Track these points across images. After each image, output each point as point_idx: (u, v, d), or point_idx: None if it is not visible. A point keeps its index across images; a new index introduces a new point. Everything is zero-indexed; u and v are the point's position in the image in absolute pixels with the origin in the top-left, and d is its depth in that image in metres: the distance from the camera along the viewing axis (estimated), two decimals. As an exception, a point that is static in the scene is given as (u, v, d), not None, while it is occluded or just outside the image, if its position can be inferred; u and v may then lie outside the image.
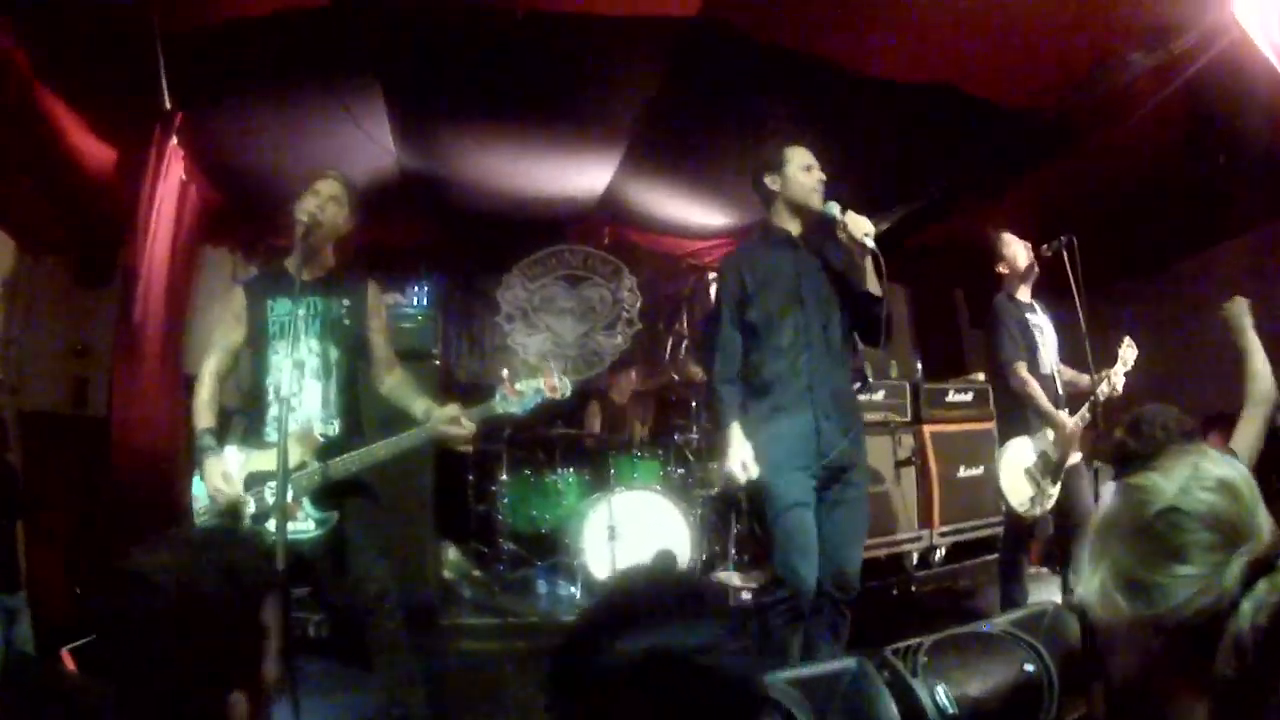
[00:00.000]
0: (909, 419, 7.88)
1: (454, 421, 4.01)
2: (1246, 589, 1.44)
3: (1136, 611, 1.52)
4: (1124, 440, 3.22)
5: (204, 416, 4.10)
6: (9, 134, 5.08)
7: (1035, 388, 5.58)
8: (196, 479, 4.05)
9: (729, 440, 4.36)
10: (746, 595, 7.00)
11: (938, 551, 7.85)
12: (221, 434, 4.15)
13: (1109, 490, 5.09)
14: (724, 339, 4.54)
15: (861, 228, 4.19)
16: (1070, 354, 5.88)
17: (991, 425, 7.89)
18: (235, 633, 1.64)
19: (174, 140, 5.97)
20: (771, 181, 4.53)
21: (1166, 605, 1.48)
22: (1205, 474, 1.56)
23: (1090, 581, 1.61)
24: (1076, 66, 5.83)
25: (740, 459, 4.31)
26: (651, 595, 1.38)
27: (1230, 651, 1.42)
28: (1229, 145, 6.11)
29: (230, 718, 1.64)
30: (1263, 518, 1.54)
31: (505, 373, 4.24)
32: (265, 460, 3.97)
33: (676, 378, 9.57)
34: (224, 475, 3.95)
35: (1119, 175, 6.90)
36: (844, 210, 4.28)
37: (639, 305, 10.52)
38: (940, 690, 3.44)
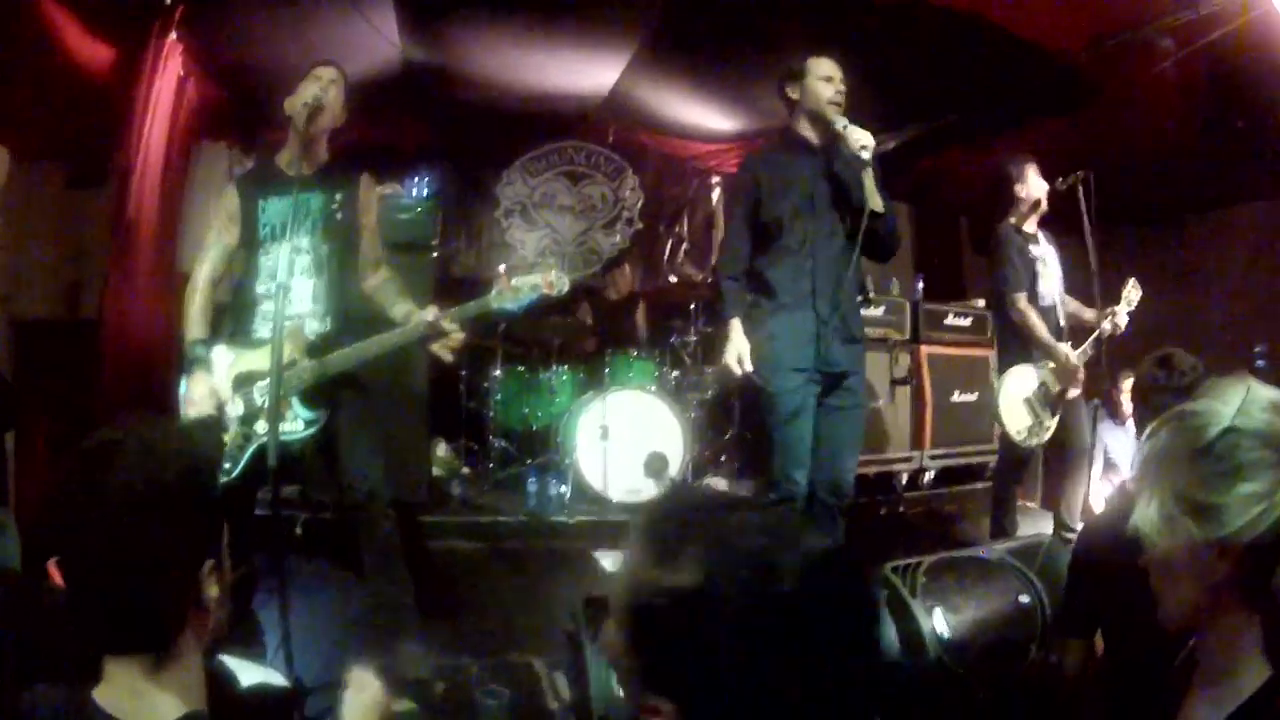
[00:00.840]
0: (907, 338, 7.84)
1: (432, 327, 3.90)
2: None
3: (1205, 533, 1.55)
4: (1153, 372, 3.24)
5: (196, 326, 4.03)
6: (5, 37, 4.96)
7: (1034, 318, 5.55)
8: (184, 380, 3.98)
9: (728, 334, 4.44)
10: (736, 501, 6.99)
11: (927, 474, 7.86)
12: (215, 330, 4.09)
13: (1104, 431, 5.15)
14: (732, 235, 4.66)
15: (858, 140, 4.21)
16: (1074, 289, 5.82)
17: (988, 352, 7.92)
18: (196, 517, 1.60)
19: (172, 34, 5.85)
20: (792, 91, 4.53)
21: (1233, 525, 1.52)
22: (1258, 395, 1.59)
23: (1147, 511, 1.63)
24: (1107, 16, 5.72)
25: (737, 352, 4.40)
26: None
27: None
28: (1249, 113, 6.02)
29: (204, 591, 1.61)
30: None
31: (502, 269, 4.17)
32: (253, 359, 3.91)
33: (674, 279, 9.50)
34: (209, 391, 3.89)
35: (1137, 128, 6.80)
36: (845, 125, 4.29)
37: (640, 205, 10.39)
38: (938, 612, 3.46)
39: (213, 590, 1.61)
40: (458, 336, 3.94)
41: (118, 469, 1.51)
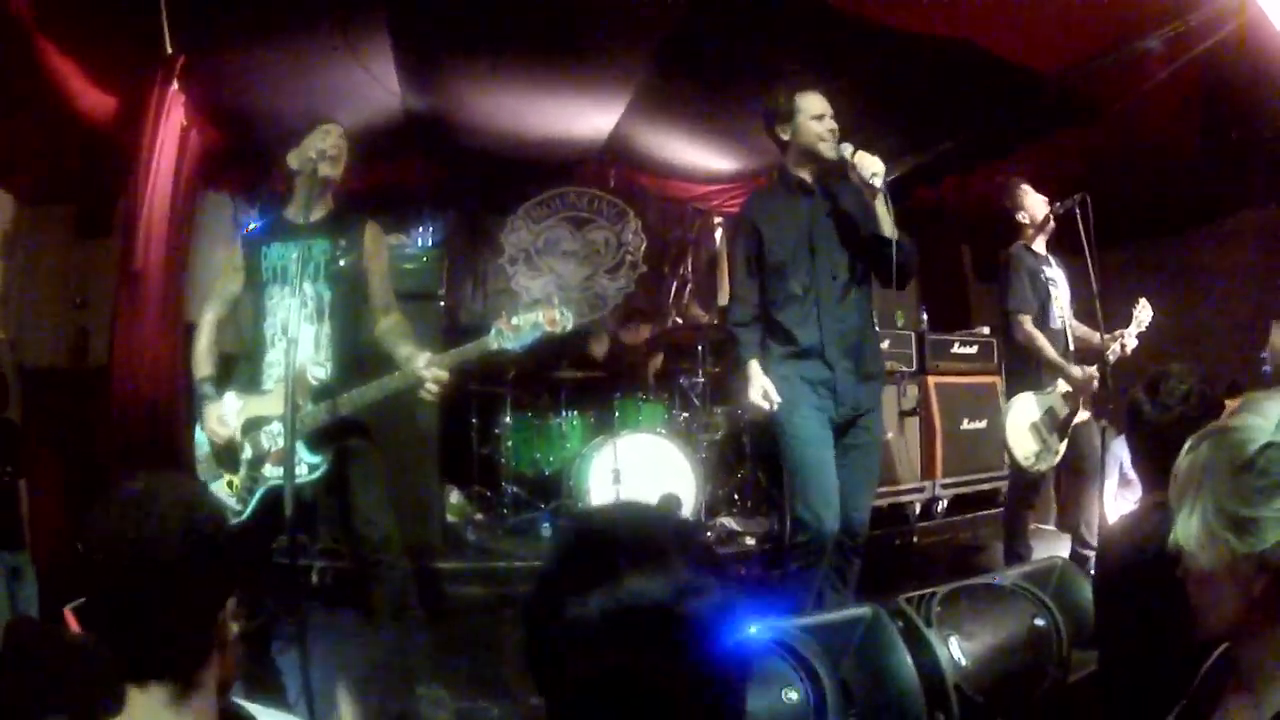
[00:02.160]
0: (913, 369, 7.85)
1: (427, 368, 3.90)
2: None
3: (1246, 547, 1.56)
4: (1138, 399, 3.17)
5: (203, 365, 4.11)
6: (9, 86, 5.03)
7: (1041, 340, 5.56)
8: (198, 428, 4.05)
9: (749, 375, 4.39)
10: (750, 541, 7.02)
11: (940, 503, 7.84)
12: (222, 380, 4.13)
13: (1119, 447, 5.13)
14: (739, 286, 4.60)
15: (870, 167, 4.17)
16: (1078, 311, 5.83)
17: (995, 379, 7.93)
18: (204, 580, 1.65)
19: (175, 85, 5.91)
20: (783, 131, 4.50)
21: (1273, 539, 1.53)
22: None
23: (1188, 525, 1.65)
24: (1097, 34, 5.77)
25: (761, 389, 4.34)
26: (624, 537, 1.26)
27: None
28: (1243, 123, 6.06)
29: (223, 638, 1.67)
30: None
31: (502, 311, 4.17)
32: (261, 405, 3.96)
33: (680, 321, 9.52)
34: (220, 418, 3.95)
35: (1133, 144, 6.84)
36: (854, 151, 4.26)
37: (644, 248, 10.45)
38: (953, 641, 3.46)
39: (234, 628, 1.67)
40: (441, 378, 3.90)
41: (155, 519, 1.58)
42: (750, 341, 4.47)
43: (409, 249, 7.20)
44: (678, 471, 7.04)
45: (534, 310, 4.00)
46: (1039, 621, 3.66)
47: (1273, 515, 1.54)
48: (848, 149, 4.29)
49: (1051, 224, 5.72)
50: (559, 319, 4.00)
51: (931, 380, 7.84)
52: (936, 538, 7.69)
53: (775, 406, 4.31)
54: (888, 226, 4.28)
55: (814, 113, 4.42)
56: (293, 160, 4.16)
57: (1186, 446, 1.72)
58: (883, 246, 4.31)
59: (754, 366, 4.39)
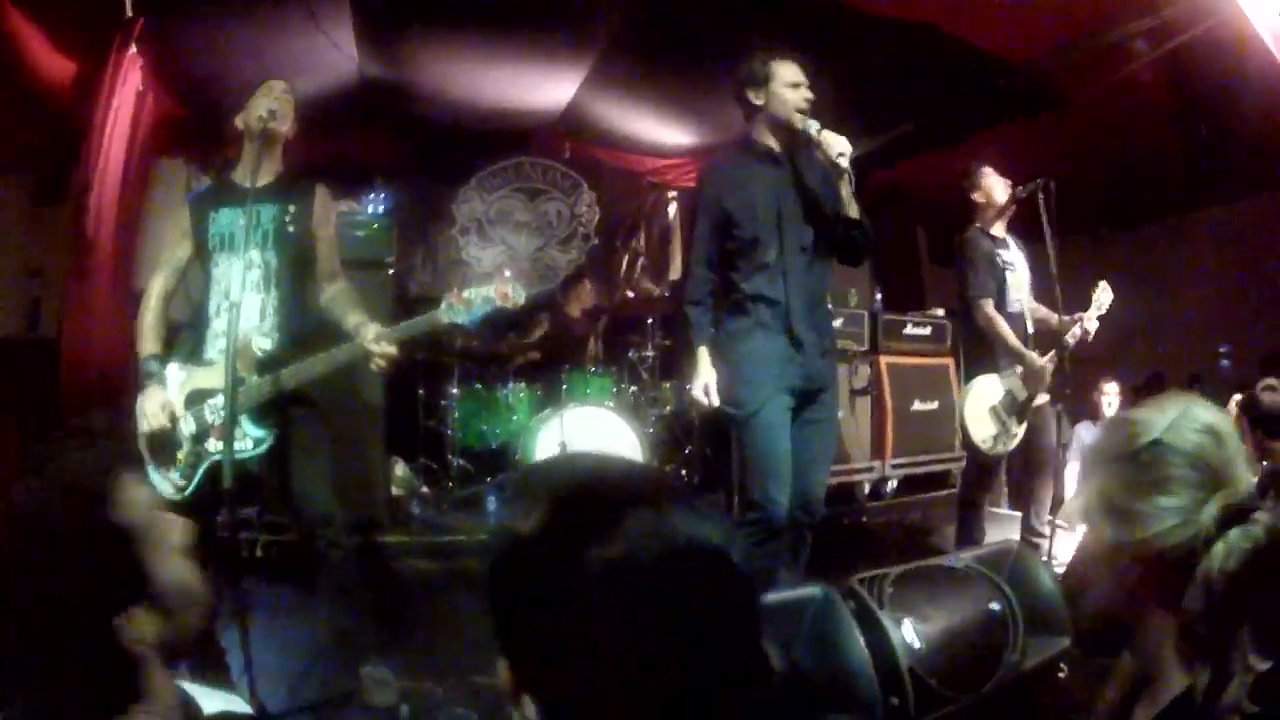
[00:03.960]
0: (866, 348, 7.84)
1: (376, 341, 3.83)
2: (1220, 533, 1.55)
3: (1118, 536, 1.65)
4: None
5: (148, 341, 3.96)
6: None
7: (1001, 324, 5.52)
8: (140, 398, 3.91)
9: (697, 362, 4.31)
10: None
11: (889, 483, 7.85)
12: (169, 347, 4.02)
13: (1080, 434, 5.16)
14: (696, 259, 4.47)
15: (837, 147, 4.08)
16: (1039, 295, 5.81)
17: (948, 361, 7.94)
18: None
19: (132, 48, 5.79)
20: (755, 96, 4.36)
21: (1145, 533, 1.61)
22: (1194, 416, 1.67)
23: (1075, 502, 1.77)
24: (1069, 23, 5.76)
25: (704, 383, 4.26)
26: (621, 485, 1.15)
27: (1200, 589, 1.54)
28: (1212, 119, 6.07)
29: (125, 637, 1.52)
30: (1242, 469, 1.66)
31: (453, 284, 4.09)
32: (205, 377, 3.85)
33: (631, 294, 9.48)
34: (161, 405, 3.82)
35: (1102, 133, 6.85)
36: (820, 129, 4.16)
37: (596, 220, 10.40)
38: (907, 623, 3.41)
39: (146, 632, 1.52)
40: (390, 354, 3.84)
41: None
42: (703, 324, 4.36)
43: (360, 216, 7.08)
44: (625, 445, 7.02)
45: (486, 284, 3.90)
46: (994, 605, 3.61)
47: (1148, 510, 1.61)
48: (814, 126, 4.18)
49: (1010, 209, 5.68)
50: (510, 294, 3.90)
51: (884, 360, 7.84)
52: (886, 518, 7.69)
53: (712, 404, 4.26)
54: (853, 208, 4.22)
55: (790, 80, 4.30)
56: (239, 121, 4.04)
57: (1097, 430, 1.79)
58: (849, 228, 4.25)
59: (703, 354, 4.30)
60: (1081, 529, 5.19)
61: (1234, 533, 1.54)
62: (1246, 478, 1.65)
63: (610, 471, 1.20)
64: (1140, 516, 1.61)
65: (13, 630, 1.43)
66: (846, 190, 4.19)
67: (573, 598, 1.07)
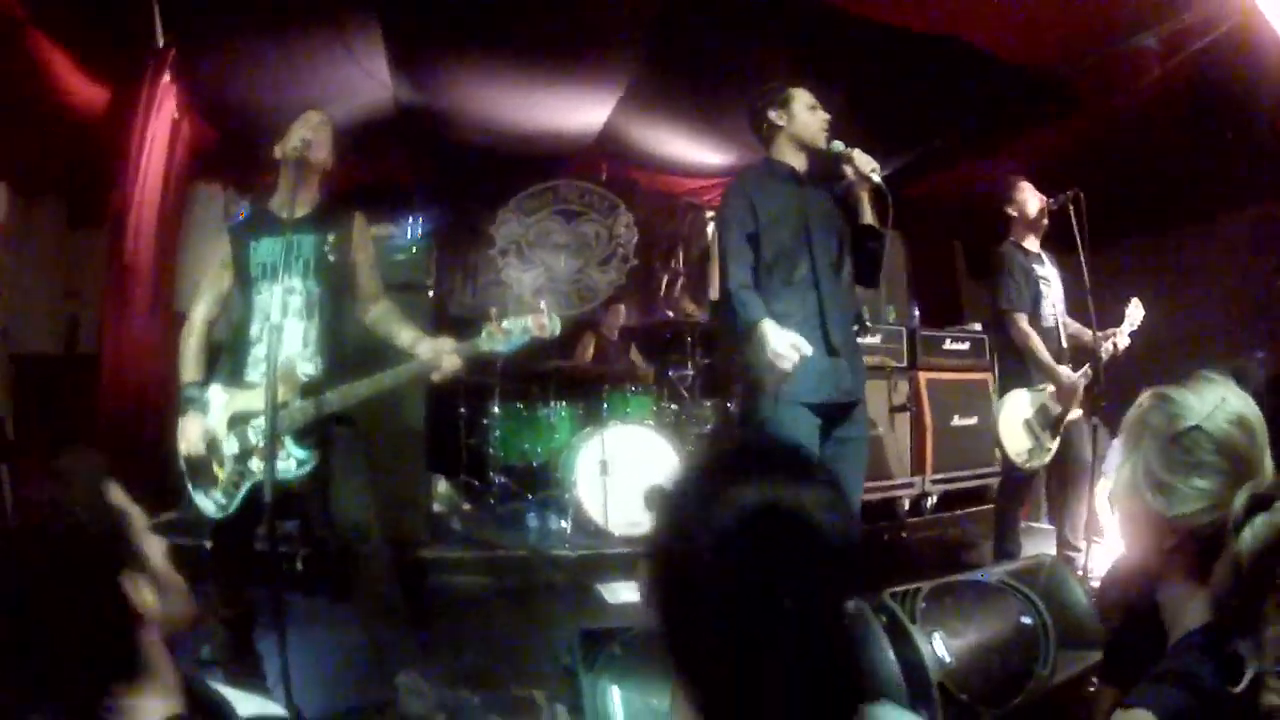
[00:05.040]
0: (905, 364, 7.82)
1: (442, 354, 3.94)
2: (1247, 518, 1.67)
3: (1157, 507, 1.84)
4: None
5: (190, 369, 4.06)
6: (2, 79, 5.01)
7: (1035, 340, 5.52)
8: (181, 423, 4.01)
9: (764, 332, 4.04)
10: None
11: (929, 499, 7.83)
12: (210, 371, 4.11)
13: (1113, 447, 5.10)
14: (735, 250, 4.31)
15: (868, 164, 4.13)
16: (1071, 307, 5.80)
17: (986, 376, 7.91)
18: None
19: (167, 76, 5.92)
20: (777, 117, 4.41)
21: (1180, 509, 1.81)
22: (1229, 406, 1.85)
23: (1121, 471, 1.94)
24: (1086, 31, 5.75)
25: (788, 341, 3.99)
26: (764, 452, 1.41)
27: (1228, 569, 1.70)
28: (1235, 122, 6.03)
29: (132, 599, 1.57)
30: (1268, 461, 1.85)
31: (493, 310, 4.16)
32: (247, 400, 3.93)
33: (671, 314, 9.51)
34: (201, 432, 3.93)
35: (1126, 141, 6.82)
36: (846, 146, 4.22)
37: (635, 242, 10.46)
38: (938, 637, 3.43)
39: (147, 597, 1.58)
40: (457, 362, 3.95)
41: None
42: (755, 302, 4.16)
43: (399, 240, 7.17)
44: (666, 463, 7.01)
45: (523, 315, 4.01)
46: (1026, 619, 3.62)
47: (1184, 488, 1.81)
48: (839, 145, 4.24)
49: (1045, 221, 5.68)
50: (547, 324, 4.01)
51: (923, 376, 7.83)
52: (926, 533, 7.67)
53: (807, 353, 4.01)
54: (869, 217, 4.26)
55: (808, 103, 4.38)
56: (277, 150, 4.13)
57: (1138, 401, 1.96)
58: (869, 238, 4.29)
59: (768, 323, 4.06)
60: (1116, 544, 5.18)
61: (1259, 519, 1.66)
62: (1270, 467, 1.84)
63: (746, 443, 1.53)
64: (1176, 493, 1.80)
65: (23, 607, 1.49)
66: (868, 205, 4.24)
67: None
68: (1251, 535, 1.65)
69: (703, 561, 1.26)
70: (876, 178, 4.12)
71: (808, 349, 4.03)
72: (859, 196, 4.28)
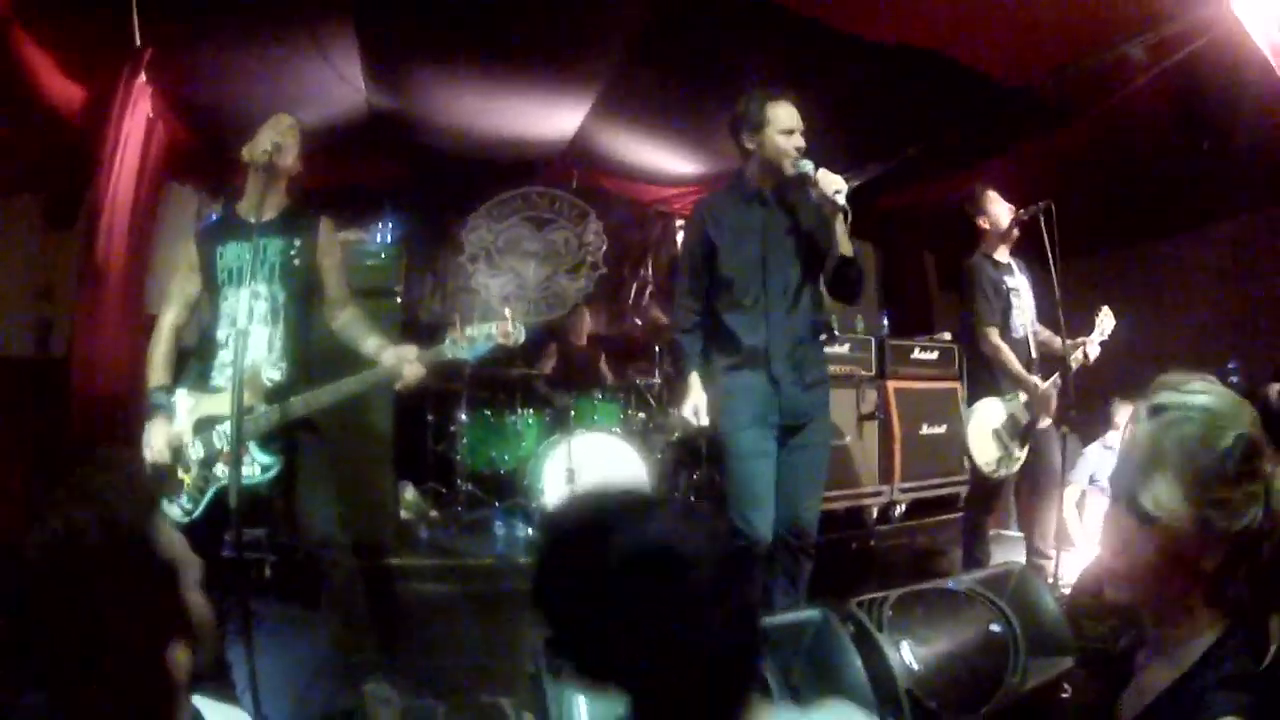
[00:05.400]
0: (873, 374, 7.82)
1: (405, 362, 3.95)
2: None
3: (1219, 523, 1.71)
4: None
5: (157, 373, 4.06)
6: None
7: (1007, 353, 5.55)
8: (147, 428, 3.99)
9: (688, 387, 4.43)
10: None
11: (898, 507, 7.83)
12: (178, 375, 4.11)
13: (1090, 456, 5.16)
14: (683, 289, 4.56)
15: (833, 185, 4.11)
16: (1042, 317, 5.83)
17: (955, 385, 7.93)
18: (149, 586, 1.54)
19: (143, 77, 5.88)
20: (749, 140, 4.40)
21: (1240, 522, 1.70)
22: (1252, 410, 1.80)
23: (1160, 490, 1.76)
24: (1066, 45, 5.78)
25: (693, 405, 4.38)
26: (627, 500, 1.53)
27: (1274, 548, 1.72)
28: (1215, 133, 6.08)
29: (171, 669, 1.55)
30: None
31: (457, 317, 4.18)
32: (213, 404, 3.94)
33: (640, 322, 9.51)
34: (167, 438, 3.91)
35: (1103, 152, 6.86)
36: (817, 167, 4.20)
37: (604, 249, 10.45)
38: (905, 645, 3.43)
39: (185, 663, 1.56)
40: (417, 373, 3.96)
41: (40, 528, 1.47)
42: (691, 352, 4.49)
43: (369, 246, 7.15)
44: (632, 471, 7.02)
45: (488, 322, 4.06)
46: (995, 627, 3.63)
47: (1239, 497, 1.70)
48: (809, 166, 4.22)
49: (1015, 232, 5.70)
50: (511, 331, 4.06)
51: (891, 385, 7.83)
52: (895, 541, 7.67)
53: (701, 424, 4.38)
54: (846, 245, 4.24)
55: (783, 126, 4.32)
56: (245, 153, 4.13)
57: (1143, 413, 1.84)
58: (842, 265, 4.29)
59: (694, 379, 4.42)
60: (1085, 549, 5.20)
61: None
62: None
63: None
64: (1233, 505, 1.70)
65: (56, 656, 1.45)
66: (841, 228, 4.21)
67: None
68: None
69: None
70: (841, 200, 4.10)
71: (704, 420, 4.40)
72: (827, 218, 4.25)
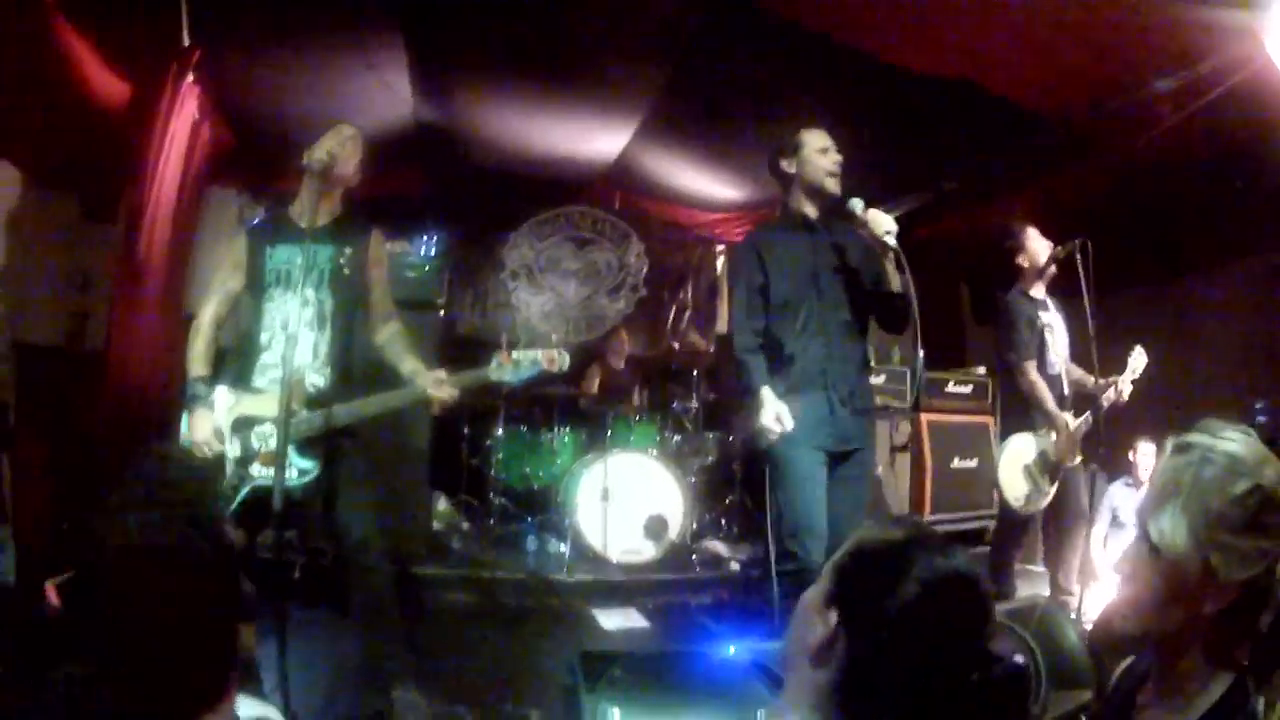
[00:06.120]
0: (908, 406, 7.85)
1: (438, 385, 3.99)
2: None
3: (1221, 570, 1.71)
4: None
5: (197, 365, 4.09)
6: (26, 64, 5.03)
7: (1043, 389, 5.56)
8: (185, 419, 4.04)
9: (762, 400, 4.22)
10: (735, 566, 7.07)
11: (927, 539, 7.82)
12: (216, 372, 4.14)
13: (1113, 493, 5.16)
14: (742, 312, 4.51)
15: (883, 225, 4.15)
16: (1074, 354, 5.84)
17: (988, 419, 7.92)
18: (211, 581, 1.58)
19: (190, 77, 5.94)
20: (788, 165, 4.47)
21: (1244, 573, 1.71)
22: (1275, 461, 1.77)
23: (1172, 525, 1.77)
24: (1100, 79, 5.80)
25: (775, 412, 4.18)
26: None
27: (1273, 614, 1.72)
28: (1245, 172, 6.07)
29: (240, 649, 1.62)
30: None
31: (504, 339, 4.23)
32: (253, 405, 3.98)
33: (678, 346, 9.56)
34: (213, 431, 3.95)
35: (1133, 187, 6.85)
36: (866, 208, 4.25)
37: (645, 271, 10.49)
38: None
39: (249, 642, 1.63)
40: (454, 394, 4.01)
41: (118, 528, 1.50)
42: (759, 368, 4.34)
43: (411, 258, 7.22)
44: (667, 493, 7.06)
45: (534, 348, 4.12)
46: (1019, 659, 3.65)
47: (1249, 548, 1.70)
48: (859, 205, 4.26)
49: (1053, 269, 5.72)
50: (557, 359, 4.12)
51: (925, 418, 7.85)
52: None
53: (786, 428, 4.18)
54: (895, 282, 4.27)
55: (819, 146, 4.41)
56: (304, 158, 4.15)
57: (1170, 448, 1.85)
58: (893, 300, 4.32)
59: (766, 392, 4.24)
60: (1109, 584, 5.19)
61: None
62: None
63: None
64: (1242, 553, 1.70)
65: (143, 650, 1.49)
66: (891, 266, 4.24)
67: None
68: None
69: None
70: (892, 241, 4.14)
71: (789, 423, 4.17)
72: (878, 255, 4.29)
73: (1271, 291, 6.85)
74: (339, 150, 4.12)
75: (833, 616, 1.52)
